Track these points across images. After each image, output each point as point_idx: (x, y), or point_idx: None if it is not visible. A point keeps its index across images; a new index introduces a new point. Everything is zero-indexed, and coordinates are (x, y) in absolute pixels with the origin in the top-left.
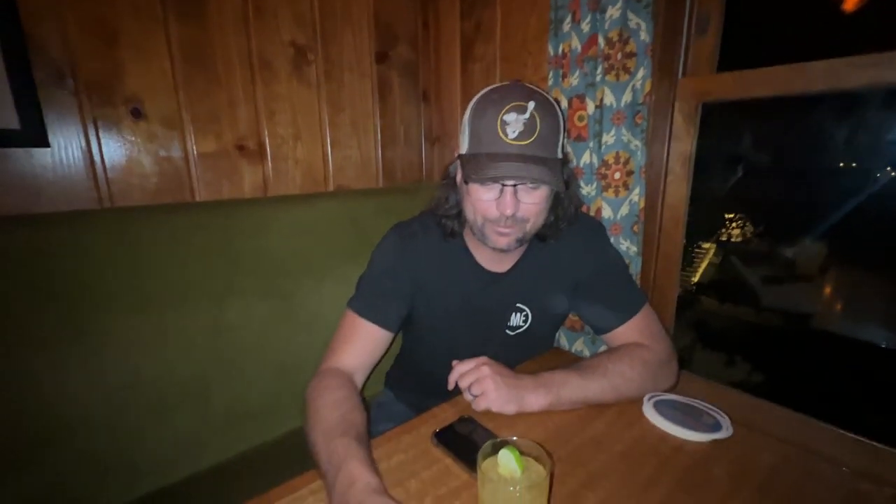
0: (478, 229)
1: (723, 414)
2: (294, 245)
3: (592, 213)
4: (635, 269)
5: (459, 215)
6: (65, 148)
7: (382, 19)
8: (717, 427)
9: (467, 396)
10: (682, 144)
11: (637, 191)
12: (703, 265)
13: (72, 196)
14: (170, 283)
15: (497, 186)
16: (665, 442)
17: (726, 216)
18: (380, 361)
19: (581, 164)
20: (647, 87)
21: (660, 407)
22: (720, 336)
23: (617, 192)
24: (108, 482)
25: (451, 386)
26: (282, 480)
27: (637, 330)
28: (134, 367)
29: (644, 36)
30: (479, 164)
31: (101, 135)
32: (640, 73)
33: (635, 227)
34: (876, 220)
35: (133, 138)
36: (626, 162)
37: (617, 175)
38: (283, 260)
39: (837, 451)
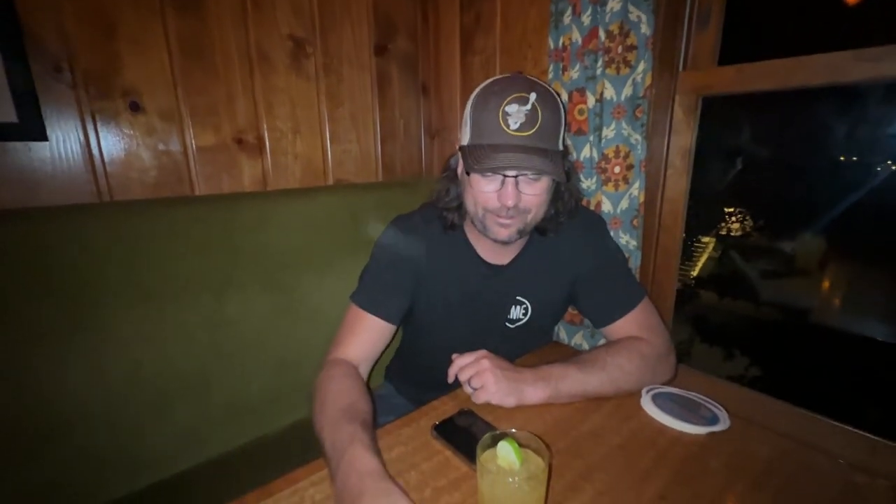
0: (479, 221)
1: (720, 407)
2: (294, 239)
3: (592, 207)
4: (635, 263)
5: (460, 208)
6: (63, 141)
7: (381, 11)
8: (714, 420)
9: (467, 389)
10: (682, 138)
11: (637, 185)
12: (703, 259)
13: (71, 190)
14: (170, 277)
15: (498, 177)
16: (663, 434)
17: (726, 210)
18: (383, 353)
19: (581, 158)
20: (648, 81)
21: (658, 400)
22: (719, 330)
23: (617, 186)
24: (108, 475)
25: (450, 379)
26: (282, 473)
27: (636, 323)
28: (134, 360)
29: (645, 29)
30: (481, 155)
31: (99, 128)
32: (641, 67)
33: (635, 222)
34: (875, 215)
35: (131, 132)
36: (626, 156)
37: (617, 169)
38: (282, 254)
39: (834, 443)
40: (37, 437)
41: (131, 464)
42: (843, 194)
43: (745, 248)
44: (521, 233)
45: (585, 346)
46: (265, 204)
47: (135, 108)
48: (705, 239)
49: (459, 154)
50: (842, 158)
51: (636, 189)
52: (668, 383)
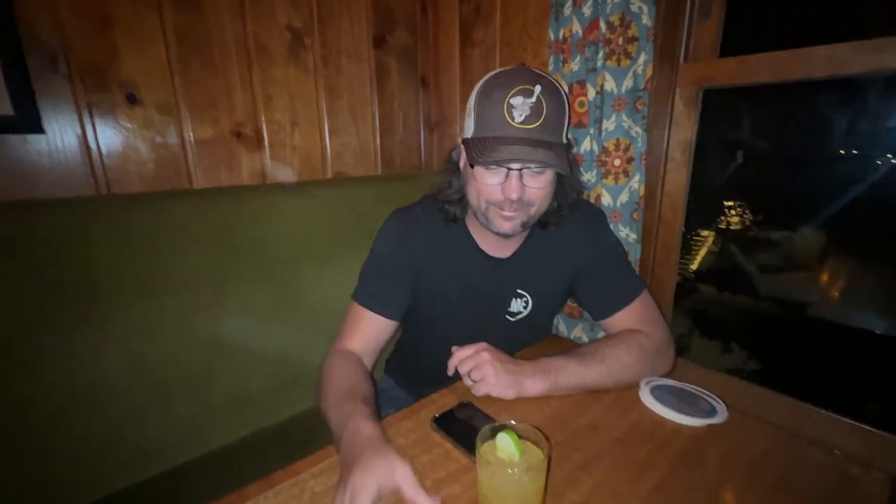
0: (481, 214)
1: (718, 399)
2: (293, 232)
3: (592, 200)
4: (634, 256)
5: (462, 200)
6: (60, 134)
7: (380, 2)
8: (712, 412)
9: (467, 382)
10: (683, 131)
11: (637, 178)
12: (702, 253)
13: (68, 183)
14: (169, 270)
15: (503, 170)
16: (661, 426)
17: (726, 204)
18: (386, 344)
19: (581, 151)
20: (649, 73)
21: (656, 392)
22: (718, 324)
23: (617, 180)
24: (110, 467)
25: (450, 371)
26: (283, 465)
27: (635, 316)
28: (135, 353)
29: (646, 20)
30: (485, 148)
31: (96, 121)
32: (642, 59)
33: (635, 215)
34: (875, 209)
35: (128, 124)
36: (627, 149)
37: (617, 162)
38: (282, 247)
39: (830, 435)
40: (38, 429)
41: (133, 456)
42: (843, 188)
43: (744, 242)
44: (524, 226)
45: (585, 339)
46: (264, 197)
47: (132, 100)
48: (705, 233)
49: (462, 147)
50: (842, 152)
51: (636, 182)
52: (667, 376)
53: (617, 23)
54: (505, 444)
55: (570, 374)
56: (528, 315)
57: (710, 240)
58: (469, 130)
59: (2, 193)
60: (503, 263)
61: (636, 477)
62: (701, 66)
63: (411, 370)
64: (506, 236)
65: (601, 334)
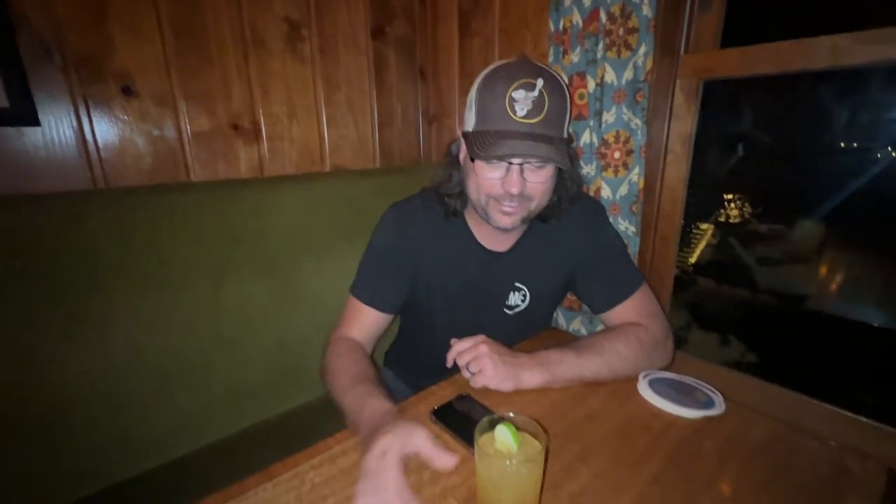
0: (481, 208)
1: (716, 391)
2: (292, 225)
3: (591, 193)
4: (633, 249)
5: (462, 194)
6: (56, 127)
7: None
8: (709, 404)
9: (465, 374)
10: (683, 123)
11: (636, 170)
12: (701, 246)
13: (65, 176)
14: (168, 263)
15: (503, 164)
16: (658, 418)
17: (725, 197)
18: (383, 335)
19: (581, 144)
20: (649, 64)
21: (654, 385)
22: (717, 316)
23: (616, 172)
24: (110, 459)
25: (449, 364)
26: (282, 457)
27: (634, 310)
28: (134, 347)
29: (646, 11)
30: (487, 142)
31: (92, 113)
32: (642, 50)
33: (634, 208)
34: (875, 202)
35: (125, 117)
36: (626, 141)
37: (617, 154)
38: (280, 240)
39: (826, 426)
40: (38, 422)
41: (133, 448)
42: (843, 181)
43: (743, 235)
44: (523, 221)
45: (584, 332)
46: (262, 190)
47: (128, 92)
48: (704, 226)
49: (462, 140)
50: (842, 145)
51: (636, 175)
52: (666, 369)
53: (617, 13)
54: (503, 436)
55: (568, 366)
56: (526, 308)
57: (710, 233)
58: (470, 123)
59: None
60: (501, 257)
61: (633, 468)
62: (701, 57)
63: (410, 362)
64: (505, 231)
65: (600, 327)
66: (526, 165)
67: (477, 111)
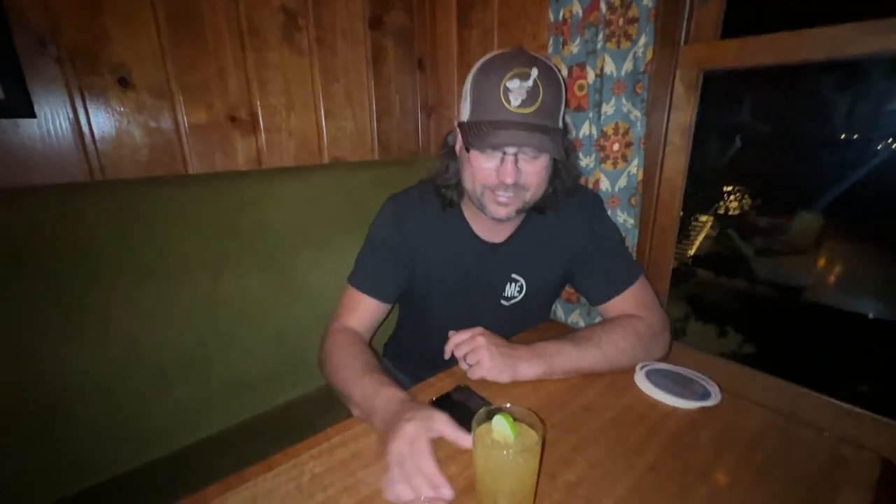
0: (476, 198)
1: (712, 383)
2: (290, 218)
3: (590, 185)
4: (631, 241)
5: (458, 185)
6: (52, 118)
7: None
8: (705, 395)
9: (463, 366)
10: (682, 115)
11: (635, 162)
12: (700, 238)
13: (62, 168)
14: (166, 256)
15: (498, 154)
16: (655, 409)
17: (725, 189)
18: (380, 326)
19: (580, 136)
20: (649, 55)
21: (651, 376)
22: (715, 308)
23: (615, 164)
24: (110, 452)
25: (447, 356)
26: (282, 447)
27: (632, 301)
28: (133, 339)
29: (647, 1)
30: (481, 132)
31: (88, 105)
32: (642, 41)
33: (633, 200)
34: (874, 194)
35: (121, 108)
36: (626, 133)
37: (616, 146)
38: (279, 232)
39: (821, 417)
40: (38, 414)
41: (133, 441)
42: (844, 172)
43: (743, 227)
44: (518, 212)
45: (582, 324)
46: (260, 183)
47: (123, 83)
48: (703, 217)
49: (458, 130)
50: (843, 136)
51: (635, 167)
52: (663, 360)
53: (617, 3)
54: (500, 427)
55: (565, 358)
56: (522, 300)
57: (709, 225)
58: (465, 114)
59: None
60: (497, 248)
61: (630, 457)
62: (702, 48)
63: (409, 354)
64: (500, 221)
65: (598, 319)
66: (521, 155)
67: (472, 101)
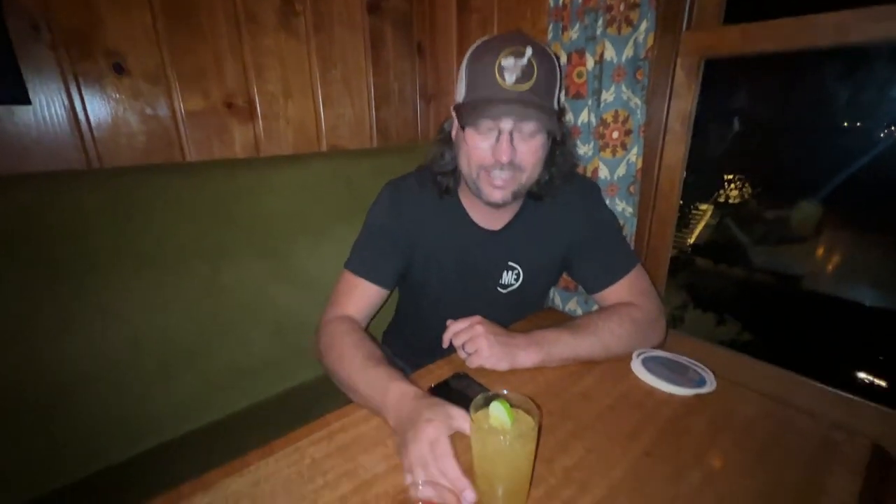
0: (472, 182)
1: (707, 370)
2: (289, 206)
3: (589, 174)
4: (630, 230)
5: (455, 172)
6: (47, 105)
7: None
8: (701, 382)
9: (462, 354)
10: (683, 102)
11: (635, 151)
12: (700, 226)
13: (58, 156)
14: (165, 244)
15: (493, 133)
16: (651, 396)
17: (725, 177)
18: (376, 315)
19: (579, 123)
20: (650, 41)
21: (647, 363)
22: (714, 297)
23: (614, 152)
24: (113, 438)
25: (445, 344)
26: (282, 434)
27: (628, 290)
28: (133, 327)
29: None
30: (476, 107)
31: (83, 91)
32: (643, 26)
33: (631, 188)
34: (874, 182)
35: (117, 95)
36: (625, 120)
37: (615, 134)
38: (277, 221)
39: (815, 403)
40: (39, 404)
41: (134, 429)
42: (845, 161)
43: (742, 216)
44: (515, 195)
45: (579, 312)
46: (259, 170)
47: (119, 70)
48: (703, 206)
49: (454, 113)
50: (845, 124)
51: (634, 155)
52: (659, 347)
53: None
54: (497, 413)
55: (563, 346)
56: (519, 287)
57: (709, 213)
58: (461, 95)
59: None
60: (494, 235)
61: (625, 443)
62: (703, 34)
63: (408, 341)
64: (496, 206)
65: (595, 308)
66: (516, 133)
67: (467, 82)
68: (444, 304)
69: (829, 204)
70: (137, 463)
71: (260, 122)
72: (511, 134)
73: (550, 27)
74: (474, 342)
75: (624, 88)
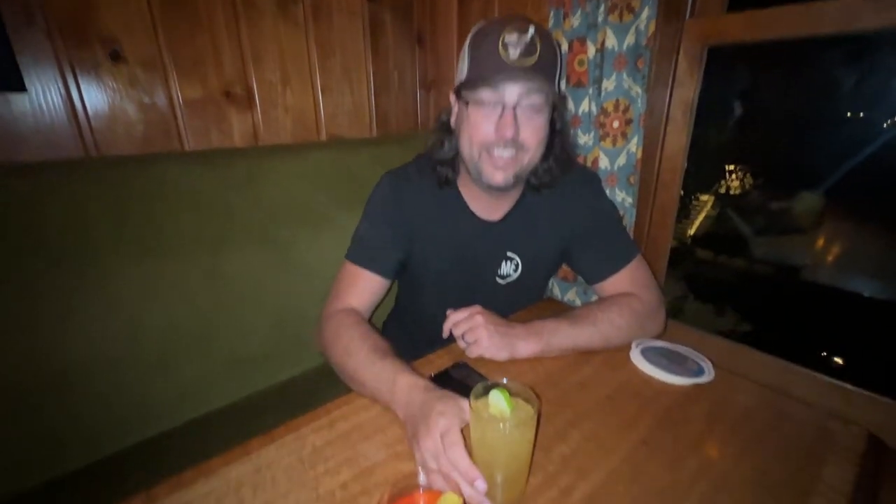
0: (474, 165)
1: (706, 360)
2: (288, 195)
3: (589, 164)
4: (630, 220)
5: (454, 161)
6: (43, 93)
7: None
8: (699, 372)
9: (461, 344)
10: (685, 91)
11: (635, 140)
12: (700, 217)
13: (55, 144)
14: (164, 233)
15: (497, 109)
16: (649, 385)
17: (727, 168)
18: (378, 306)
19: (579, 113)
20: (652, 29)
21: (646, 353)
22: (715, 288)
23: (615, 142)
24: (114, 427)
25: (445, 334)
26: (283, 422)
27: (628, 280)
28: (134, 316)
29: None
30: (481, 79)
31: (79, 79)
32: (645, 13)
33: (631, 179)
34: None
35: (114, 83)
36: (626, 110)
37: (616, 124)
38: (277, 210)
39: (812, 393)
40: (41, 392)
41: (136, 417)
42: (848, 151)
43: (744, 207)
44: (516, 178)
45: (579, 303)
46: (258, 160)
47: (115, 57)
48: (704, 197)
49: (454, 96)
50: (849, 114)
51: (634, 145)
52: (658, 337)
53: None
54: (496, 401)
55: (562, 336)
56: (518, 278)
57: (710, 204)
58: (463, 73)
59: None
60: (493, 226)
61: (623, 431)
62: (707, 21)
63: (408, 331)
64: (498, 189)
65: (595, 298)
66: (519, 111)
67: (469, 60)
68: (444, 294)
69: (831, 195)
70: (138, 451)
71: (258, 110)
72: (515, 110)
73: (552, 14)
74: (474, 332)
75: (625, 77)
